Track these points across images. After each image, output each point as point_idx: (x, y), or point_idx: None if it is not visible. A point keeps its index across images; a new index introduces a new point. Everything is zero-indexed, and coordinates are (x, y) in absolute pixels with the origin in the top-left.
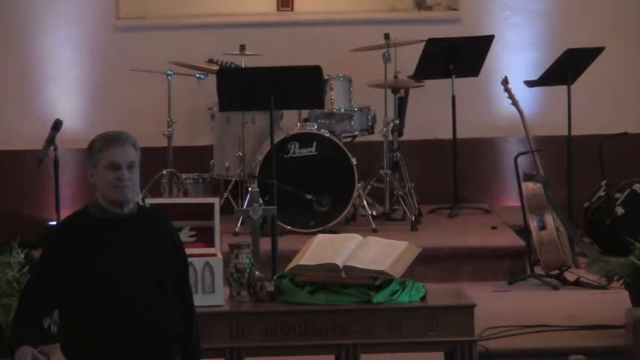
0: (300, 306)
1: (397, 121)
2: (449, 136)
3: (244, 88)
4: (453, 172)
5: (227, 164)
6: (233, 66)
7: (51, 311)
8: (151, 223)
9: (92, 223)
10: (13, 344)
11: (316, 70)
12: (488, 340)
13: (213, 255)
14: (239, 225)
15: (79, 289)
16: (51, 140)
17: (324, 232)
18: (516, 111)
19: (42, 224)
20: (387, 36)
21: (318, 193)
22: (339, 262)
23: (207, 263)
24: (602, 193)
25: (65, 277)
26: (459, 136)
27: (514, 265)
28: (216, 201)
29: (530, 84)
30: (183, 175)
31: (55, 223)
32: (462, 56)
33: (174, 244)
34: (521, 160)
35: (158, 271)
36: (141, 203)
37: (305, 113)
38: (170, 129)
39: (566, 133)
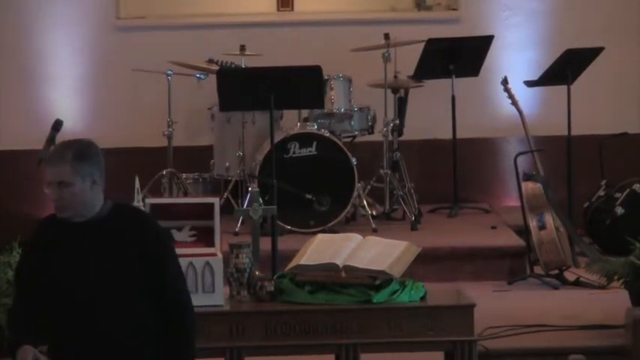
0: (300, 306)
1: (397, 121)
2: (449, 136)
3: (244, 88)
4: (453, 172)
5: (227, 164)
6: (233, 66)
7: (45, 310)
8: (120, 225)
9: (61, 226)
10: (15, 344)
11: (316, 70)
12: (488, 340)
13: (213, 255)
14: (239, 225)
15: (40, 292)
16: (51, 140)
17: (324, 231)
18: (516, 111)
19: None
20: (387, 36)
21: (318, 193)
22: (339, 262)
23: (207, 263)
24: (602, 193)
25: (35, 279)
26: (459, 136)
27: (514, 265)
28: (216, 201)
29: (530, 84)
30: (183, 175)
31: None
32: (461, 56)
33: (147, 247)
34: (521, 160)
35: (113, 275)
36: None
37: (305, 113)
38: (170, 129)
39: (566, 133)
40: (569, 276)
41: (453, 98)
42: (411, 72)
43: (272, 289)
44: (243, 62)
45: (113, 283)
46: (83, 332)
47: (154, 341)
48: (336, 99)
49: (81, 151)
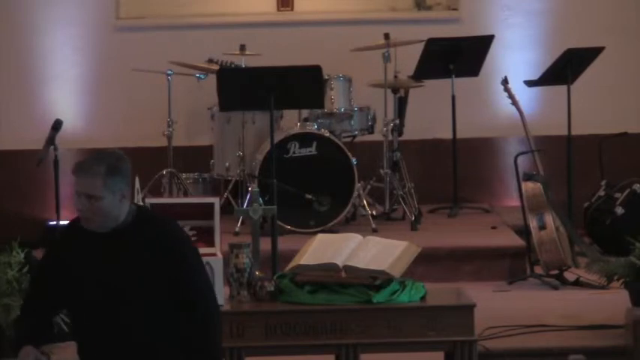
0: (300, 306)
1: (397, 121)
2: (449, 136)
3: (244, 88)
4: (453, 172)
5: (227, 164)
6: (233, 66)
7: (56, 311)
8: (141, 233)
9: (86, 231)
10: (17, 343)
11: (316, 70)
12: (488, 340)
13: (213, 255)
14: (239, 225)
15: (65, 295)
16: (51, 140)
17: (324, 231)
18: (516, 111)
19: (42, 224)
20: (387, 36)
21: (318, 193)
22: (339, 262)
23: (207, 263)
24: (602, 193)
25: (57, 282)
26: (459, 136)
27: (514, 265)
28: (216, 201)
29: (530, 84)
30: (183, 175)
31: (54, 223)
32: (461, 56)
33: (168, 255)
34: (521, 160)
35: (135, 282)
36: (141, 207)
37: (305, 113)
38: (170, 129)
39: (566, 133)
40: (570, 276)
41: (453, 98)
42: (411, 72)
43: (272, 289)
44: (243, 62)
45: (135, 289)
46: (107, 336)
47: (178, 345)
48: (336, 99)
49: (114, 165)
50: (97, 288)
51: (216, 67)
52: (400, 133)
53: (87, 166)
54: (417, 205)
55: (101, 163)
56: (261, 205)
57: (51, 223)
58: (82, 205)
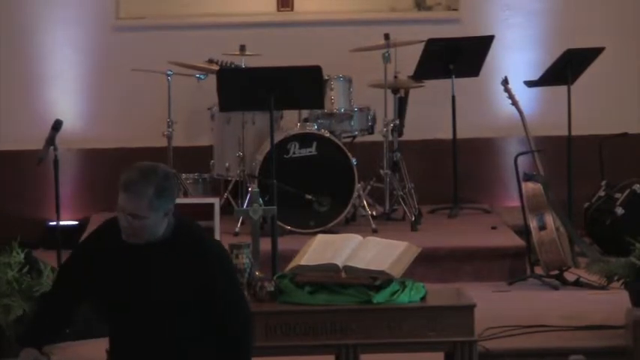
0: (300, 306)
1: (397, 121)
2: (449, 136)
3: (244, 88)
4: (453, 172)
5: (227, 164)
6: (233, 66)
7: (75, 308)
8: (177, 245)
9: (121, 237)
10: (21, 342)
11: (316, 70)
12: (488, 340)
13: None
14: (239, 225)
15: (89, 295)
16: (51, 140)
17: (324, 232)
18: (516, 111)
19: (42, 224)
20: (387, 36)
21: (318, 193)
22: (339, 262)
23: None
24: (602, 193)
25: (83, 281)
26: (459, 136)
27: (514, 265)
28: (216, 201)
29: (530, 84)
30: (183, 175)
31: (54, 223)
32: (462, 56)
33: (202, 269)
34: (521, 160)
35: (167, 293)
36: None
37: (305, 113)
38: (170, 129)
39: (566, 133)
40: (570, 276)
41: (453, 98)
42: (411, 72)
43: (272, 289)
44: (243, 62)
45: (167, 300)
46: (137, 342)
47: (210, 356)
48: (336, 99)
49: (162, 186)
50: (129, 295)
51: (216, 68)
52: (400, 134)
53: (135, 187)
54: (417, 206)
55: (150, 184)
56: (261, 206)
57: (51, 223)
58: (126, 222)
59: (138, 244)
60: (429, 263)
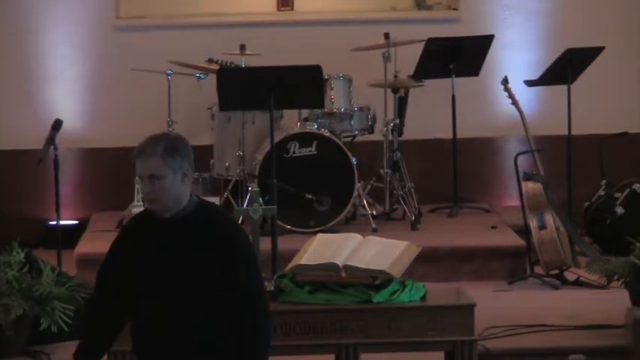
0: (300, 306)
1: (397, 121)
2: (449, 136)
3: (244, 88)
4: (453, 172)
5: (227, 164)
6: (233, 66)
7: (122, 309)
8: (201, 224)
9: (146, 222)
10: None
11: (316, 70)
12: (488, 339)
13: None
14: None
15: (119, 286)
16: (51, 140)
17: (324, 231)
18: (516, 111)
19: (42, 224)
20: (387, 36)
21: (318, 193)
22: (339, 262)
23: None
24: (602, 192)
25: (120, 274)
26: (458, 135)
27: (514, 264)
28: (216, 201)
29: (530, 84)
30: None
31: (54, 222)
32: (462, 56)
33: (224, 249)
34: (521, 159)
35: (190, 273)
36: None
37: (305, 113)
38: (170, 129)
39: (566, 132)
40: (570, 276)
41: (453, 98)
42: (411, 72)
43: (272, 288)
44: (243, 62)
45: (189, 280)
46: (159, 326)
47: (229, 339)
48: (336, 99)
49: (172, 144)
50: (153, 276)
51: (216, 67)
52: (400, 133)
53: (145, 149)
54: (417, 205)
55: (159, 143)
56: (261, 205)
57: (51, 222)
58: (147, 187)
59: (163, 222)
60: (429, 263)
